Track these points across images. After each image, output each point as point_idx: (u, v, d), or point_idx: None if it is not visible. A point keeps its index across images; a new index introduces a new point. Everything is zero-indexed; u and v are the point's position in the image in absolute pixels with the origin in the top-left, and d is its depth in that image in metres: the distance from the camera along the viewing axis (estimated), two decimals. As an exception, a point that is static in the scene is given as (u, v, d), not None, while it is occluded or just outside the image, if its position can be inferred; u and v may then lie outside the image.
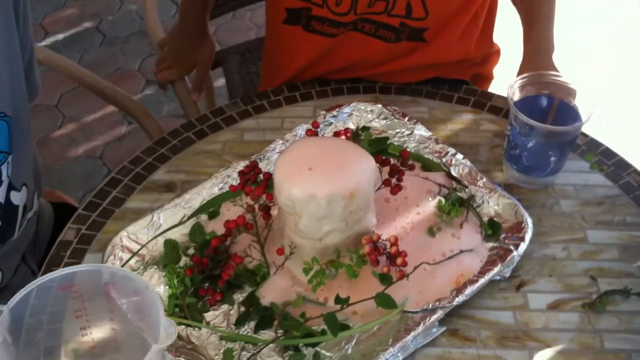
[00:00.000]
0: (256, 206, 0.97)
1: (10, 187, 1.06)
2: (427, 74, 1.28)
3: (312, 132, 1.05)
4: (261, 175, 0.99)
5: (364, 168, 0.91)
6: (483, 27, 1.29)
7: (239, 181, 1.00)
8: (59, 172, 2.35)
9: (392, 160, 1.01)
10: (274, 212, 0.99)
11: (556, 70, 1.20)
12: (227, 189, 1.06)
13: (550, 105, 1.09)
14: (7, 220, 1.08)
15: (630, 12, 3.03)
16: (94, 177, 2.33)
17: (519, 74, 1.25)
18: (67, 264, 1.01)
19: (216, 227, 1.02)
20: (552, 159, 1.07)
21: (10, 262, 1.15)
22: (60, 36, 2.83)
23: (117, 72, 2.71)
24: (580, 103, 1.07)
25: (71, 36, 2.84)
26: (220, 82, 1.88)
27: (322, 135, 1.08)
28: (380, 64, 1.26)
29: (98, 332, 0.82)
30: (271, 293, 0.95)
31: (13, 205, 1.08)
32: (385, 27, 1.20)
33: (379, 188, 0.99)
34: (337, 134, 1.04)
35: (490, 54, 1.37)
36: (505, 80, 1.11)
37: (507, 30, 1.62)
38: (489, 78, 1.40)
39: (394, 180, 1.00)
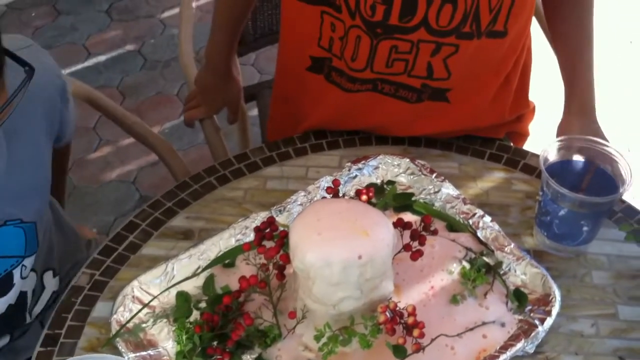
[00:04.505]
0: (270, 265, 0.94)
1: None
2: (458, 134, 1.24)
3: (333, 190, 1.01)
4: (277, 233, 0.96)
5: (381, 235, 0.87)
6: (517, 88, 1.24)
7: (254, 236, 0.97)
8: (92, 195, 2.36)
9: (413, 225, 0.97)
10: (288, 271, 0.96)
11: (602, 133, 1.15)
12: (245, 241, 1.03)
13: (586, 171, 1.04)
14: (17, 310, 1.09)
15: None
16: (126, 202, 2.33)
17: (559, 133, 1.19)
18: (78, 311, 0.99)
19: (229, 279, 1.00)
20: (585, 228, 1.02)
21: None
22: (102, 58, 2.85)
23: (156, 96, 2.72)
24: (618, 171, 1.02)
25: (113, 58, 2.85)
26: (255, 110, 1.84)
27: (342, 196, 1.04)
28: (405, 126, 1.21)
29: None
30: (281, 357, 0.91)
31: (22, 293, 1.09)
32: (405, 87, 1.15)
33: (398, 252, 0.95)
34: (358, 193, 1.00)
35: (526, 112, 1.31)
36: (542, 135, 1.05)
37: (543, 84, 1.57)
38: (524, 135, 1.34)
39: (414, 244, 0.96)
